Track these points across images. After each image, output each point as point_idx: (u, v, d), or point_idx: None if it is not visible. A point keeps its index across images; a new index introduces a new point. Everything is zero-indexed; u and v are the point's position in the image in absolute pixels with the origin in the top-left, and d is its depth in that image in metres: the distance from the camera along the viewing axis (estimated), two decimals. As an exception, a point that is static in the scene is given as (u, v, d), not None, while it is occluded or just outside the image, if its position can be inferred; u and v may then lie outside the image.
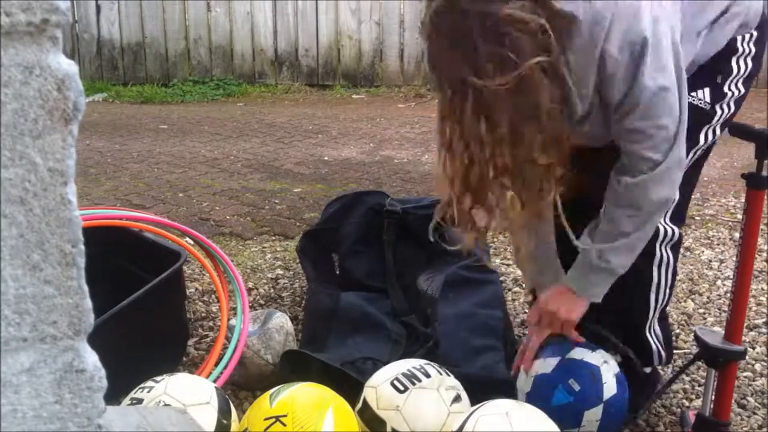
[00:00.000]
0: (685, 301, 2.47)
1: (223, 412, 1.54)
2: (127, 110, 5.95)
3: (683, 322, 2.33)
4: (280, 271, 2.67)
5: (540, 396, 1.63)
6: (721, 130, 1.65)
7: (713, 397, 1.63)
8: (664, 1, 1.42)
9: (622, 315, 1.74)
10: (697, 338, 1.65)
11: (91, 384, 0.66)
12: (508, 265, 2.69)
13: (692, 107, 1.54)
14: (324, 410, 1.52)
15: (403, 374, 1.62)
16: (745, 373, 2.01)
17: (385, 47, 6.69)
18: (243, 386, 1.91)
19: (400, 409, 1.57)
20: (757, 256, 1.76)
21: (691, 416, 1.74)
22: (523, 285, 2.41)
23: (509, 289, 2.51)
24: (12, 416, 0.63)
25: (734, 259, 2.78)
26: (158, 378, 1.57)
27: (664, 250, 1.68)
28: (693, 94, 1.56)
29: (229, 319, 1.95)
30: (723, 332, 1.64)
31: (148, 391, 1.53)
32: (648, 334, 1.76)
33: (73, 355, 0.65)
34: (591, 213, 1.59)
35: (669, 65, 1.41)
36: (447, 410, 1.58)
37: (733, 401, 1.74)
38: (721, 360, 1.59)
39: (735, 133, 1.63)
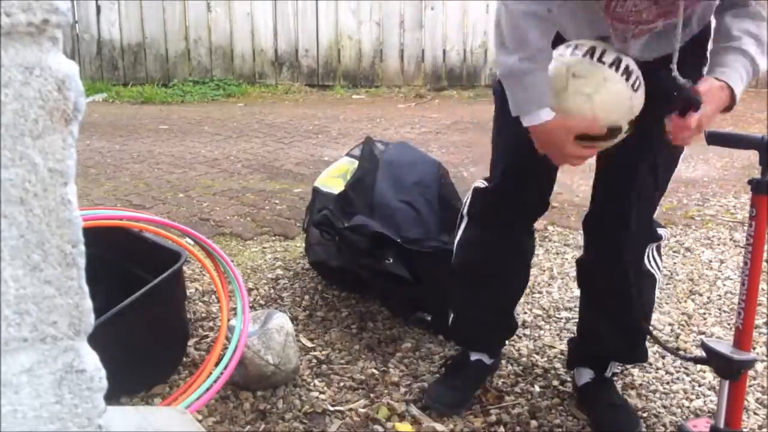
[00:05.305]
0: (685, 302, 2.47)
1: None
2: (127, 110, 5.95)
3: (683, 322, 2.33)
4: (280, 272, 2.67)
5: None
6: None
7: (725, 407, 1.60)
8: None
9: (631, 312, 1.78)
10: (708, 350, 1.58)
11: (91, 384, 0.66)
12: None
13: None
14: None
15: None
16: (745, 374, 2.01)
17: (385, 47, 6.69)
18: (243, 386, 1.91)
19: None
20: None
21: (690, 426, 1.70)
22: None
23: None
24: (12, 416, 0.63)
25: (734, 259, 2.81)
26: None
27: (653, 252, 1.79)
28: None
29: (229, 320, 1.95)
30: (731, 340, 1.60)
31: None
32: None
33: (73, 355, 0.64)
34: None
35: None
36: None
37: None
38: (738, 370, 1.57)
39: (736, 145, 1.58)
